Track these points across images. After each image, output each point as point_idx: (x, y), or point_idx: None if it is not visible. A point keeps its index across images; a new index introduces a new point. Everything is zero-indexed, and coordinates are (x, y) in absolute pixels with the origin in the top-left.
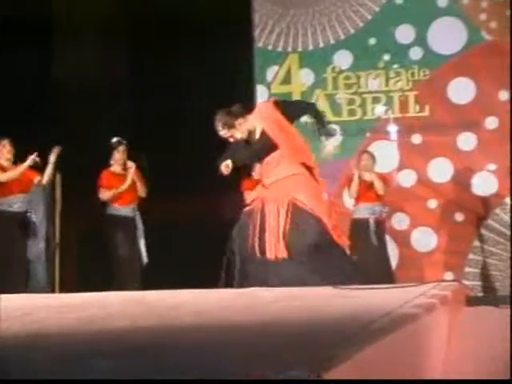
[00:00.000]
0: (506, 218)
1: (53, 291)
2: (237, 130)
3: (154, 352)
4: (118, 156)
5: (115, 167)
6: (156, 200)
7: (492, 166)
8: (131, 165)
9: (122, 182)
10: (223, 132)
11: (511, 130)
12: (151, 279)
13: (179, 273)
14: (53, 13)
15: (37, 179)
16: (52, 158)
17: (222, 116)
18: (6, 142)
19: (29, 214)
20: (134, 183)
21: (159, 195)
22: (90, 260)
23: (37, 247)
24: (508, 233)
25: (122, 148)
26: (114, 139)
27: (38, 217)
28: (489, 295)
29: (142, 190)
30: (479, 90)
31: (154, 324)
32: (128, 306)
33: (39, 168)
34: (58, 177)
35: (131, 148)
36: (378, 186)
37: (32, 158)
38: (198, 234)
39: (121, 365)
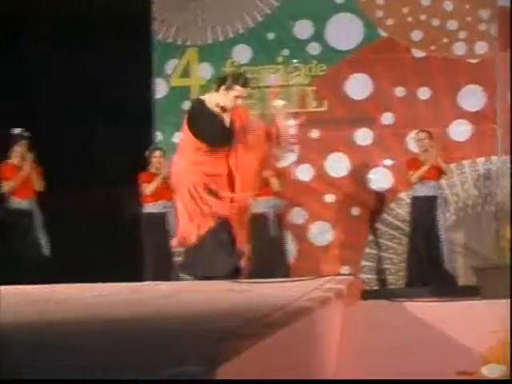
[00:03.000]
0: (401, 212)
1: None
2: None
3: (32, 348)
4: (18, 149)
5: (14, 159)
6: (55, 194)
7: (388, 162)
8: (29, 156)
9: (20, 172)
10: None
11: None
12: (53, 273)
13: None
14: None
15: None
16: None
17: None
18: None
19: None
20: (31, 176)
21: (58, 189)
22: None
23: None
24: (403, 227)
25: (23, 142)
26: (16, 131)
27: None
28: (383, 289)
29: (39, 184)
30: (376, 86)
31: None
32: (14, 299)
33: None
34: None
35: (30, 142)
36: (274, 182)
37: None
38: (98, 226)
39: None
